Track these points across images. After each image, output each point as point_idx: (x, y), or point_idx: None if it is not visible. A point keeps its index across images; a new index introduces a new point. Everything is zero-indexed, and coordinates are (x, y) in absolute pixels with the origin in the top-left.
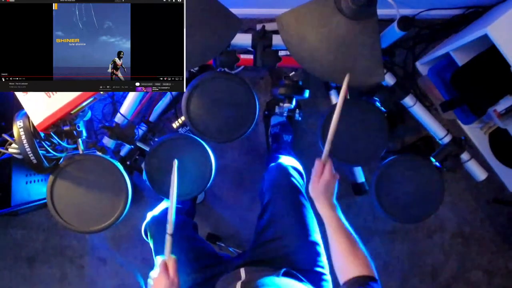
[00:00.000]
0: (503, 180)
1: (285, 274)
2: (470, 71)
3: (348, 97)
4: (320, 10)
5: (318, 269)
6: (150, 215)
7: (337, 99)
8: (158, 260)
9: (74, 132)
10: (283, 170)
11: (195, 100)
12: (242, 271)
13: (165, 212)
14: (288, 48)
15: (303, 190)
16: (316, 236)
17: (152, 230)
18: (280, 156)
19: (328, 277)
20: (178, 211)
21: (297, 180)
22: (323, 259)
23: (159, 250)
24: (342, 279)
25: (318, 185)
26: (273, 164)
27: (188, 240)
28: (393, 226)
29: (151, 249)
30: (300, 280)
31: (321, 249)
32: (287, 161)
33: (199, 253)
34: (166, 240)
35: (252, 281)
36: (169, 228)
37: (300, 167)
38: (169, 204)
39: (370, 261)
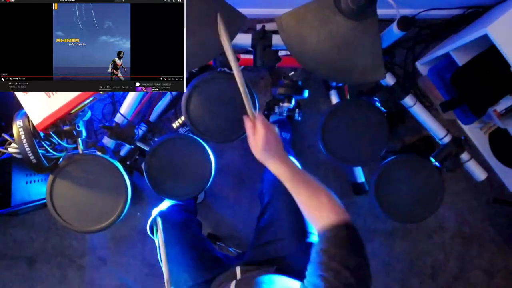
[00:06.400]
0: (503, 180)
1: (277, 271)
2: (470, 71)
3: (348, 97)
4: (320, 10)
5: None
6: (156, 211)
7: (337, 99)
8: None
9: (74, 132)
10: None
11: (195, 100)
12: (238, 270)
13: (172, 207)
14: (289, 49)
15: None
16: (314, 237)
17: (161, 222)
18: None
19: None
20: (182, 208)
21: None
22: None
23: (170, 241)
24: (315, 229)
25: (257, 145)
26: None
27: (193, 237)
28: (393, 226)
29: (150, 249)
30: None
31: None
32: None
33: (203, 252)
34: None
35: (249, 279)
36: None
37: (298, 166)
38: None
39: (336, 205)
